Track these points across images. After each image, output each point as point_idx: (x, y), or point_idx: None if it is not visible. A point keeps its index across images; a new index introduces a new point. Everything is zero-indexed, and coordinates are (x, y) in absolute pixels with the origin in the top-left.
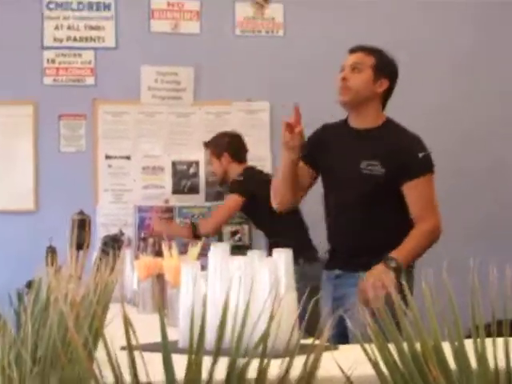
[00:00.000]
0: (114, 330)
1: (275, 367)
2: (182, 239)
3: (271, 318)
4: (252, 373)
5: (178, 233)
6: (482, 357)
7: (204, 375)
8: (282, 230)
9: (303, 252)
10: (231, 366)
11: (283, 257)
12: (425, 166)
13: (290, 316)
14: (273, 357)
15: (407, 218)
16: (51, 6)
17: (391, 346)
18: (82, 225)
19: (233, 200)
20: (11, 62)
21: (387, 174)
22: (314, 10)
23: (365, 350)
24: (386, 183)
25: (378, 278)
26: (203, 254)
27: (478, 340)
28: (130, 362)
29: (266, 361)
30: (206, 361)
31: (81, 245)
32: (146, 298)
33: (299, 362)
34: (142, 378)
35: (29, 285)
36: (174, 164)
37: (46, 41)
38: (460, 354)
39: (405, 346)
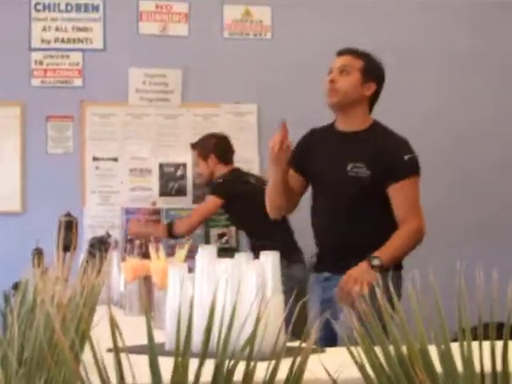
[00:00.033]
0: (100, 332)
1: (262, 370)
2: (169, 241)
3: (258, 320)
4: (238, 375)
5: (154, 233)
6: (468, 360)
7: (190, 378)
8: (267, 231)
9: (288, 254)
10: (218, 369)
11: (270, 259)
12: (410, 169)
13: (277, 318)
14: (259, 359)
15: (394, 220)
16: (39, 7)
17: (378, 349)
18: (69, 227)
19: (212, 202)
20: None
21: (373, 176)
22: (302, 13)
23: (351, 353)
24: (372, 185)
25: (360, 276)
26: (190, 256)
27: (465, 343)
28: (117, 365)
29: (252, 363)
30: (193, 363)
31: (68, 247)
32: (132, 300)
33: (286, 365)
34: (129, 380)
35: (15, 286)
36: (161, 166)
37: (34, 42)
38: (446, 358)
39: (391, 349)
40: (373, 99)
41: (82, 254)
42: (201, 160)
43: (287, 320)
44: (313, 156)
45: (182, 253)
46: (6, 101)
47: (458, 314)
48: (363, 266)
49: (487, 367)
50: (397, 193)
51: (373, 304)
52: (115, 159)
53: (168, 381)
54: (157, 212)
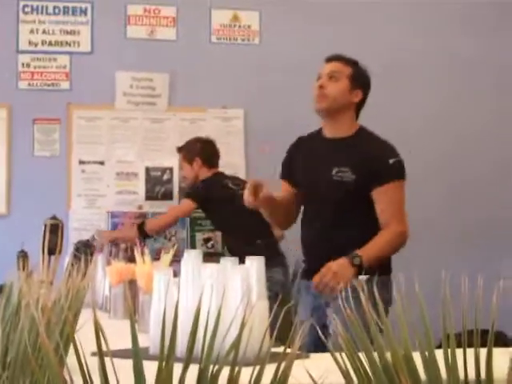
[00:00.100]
0: (85, 336)
1: (246, 375)
2: (154, 245)
3: (243, 325)
4: (223, 380)
5: (125, 234)
6: (452, 367)
7: (174, 382)
8: (247, 235)
9: (268, 257)
10: (202, 374)
11: (255, 264)
12: (395, 172)
13: (262, 324)
14: (244, 364)
15: (380, 225)
16: (27, 9)
17: (362, 356)
18: (55, 230)
19: (186, 204)
20: None
21: (358, 180)
22: (290, 18)
23: (335, 359)
24: (357, 190)
25: (339, 270)
26: (176, 260)
27: (449, 350)
28: (101, 368)
29: (236, 368)
30: (177, 368)
31: (53, 250)
32: (117, 304)
33: (270, 370)
34: None
35: (0, 289)
36: (147, 170)
37: (22, 44)
38: (430, 364)
39: (375, 355)
40: (359, 106)
41: (67, 257)
42: (186, 163)
43: (272, 325)
44: (300, 163)
45: (167, 257)
46: None
47: (442, 322)
48: (344, 261)
49: (471, 374)
50: (381, 196)
51: (357, 310)
52: (101, 163)
53: None
54: (143, 216)
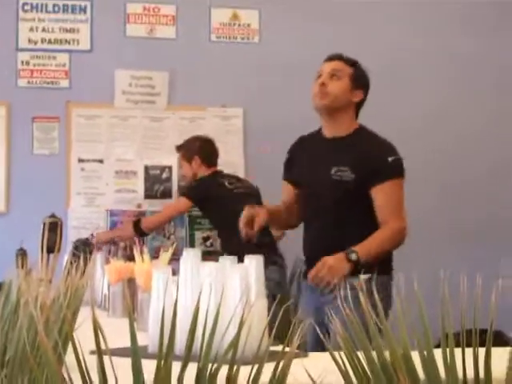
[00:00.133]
0: (83, 334)
1: (245, 374)
2: (153, 243)
3: (241, 324)
4: (221, 379)
5: (122, 233)
6: (451, 366)
7: (173, 381)
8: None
9: (267, 257)
10: (200, 372)
11: (254, 263)
12: (394, 171)
13: (261, 322)
14: (242, 363)
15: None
16: (26, 7)
17: (361, 355)
18: (54, 228)
19: (182, 202)
20: None
21: (357, 179)
22: (289, 17)
23: (334, 358)
24: (356, 188)
25: (335, 265)
26: (175, 258)
27: (448, 349)
28: (99, 367)
29: (235, 367)
30: (176, 366)
31: (52, 248)
32: (116, 302)
33: (269, 369)
34: (111, 382)
35: None
36: (146, 168)
37: (21, 42)
38: (429, 363)
39: (374, 354)
40: (359, 106)
41: (66, 255)
42: (185, 162)
43: (271, 324)
44: (301, 162)
45: (166, 255)
46: None
47: (441, 321)
48: (340, 256)
49: (470, 374)
50: (379, 194)
51: (356, 309)
52: (101, 161)
53: (150, 383)
54: (142, 214)
